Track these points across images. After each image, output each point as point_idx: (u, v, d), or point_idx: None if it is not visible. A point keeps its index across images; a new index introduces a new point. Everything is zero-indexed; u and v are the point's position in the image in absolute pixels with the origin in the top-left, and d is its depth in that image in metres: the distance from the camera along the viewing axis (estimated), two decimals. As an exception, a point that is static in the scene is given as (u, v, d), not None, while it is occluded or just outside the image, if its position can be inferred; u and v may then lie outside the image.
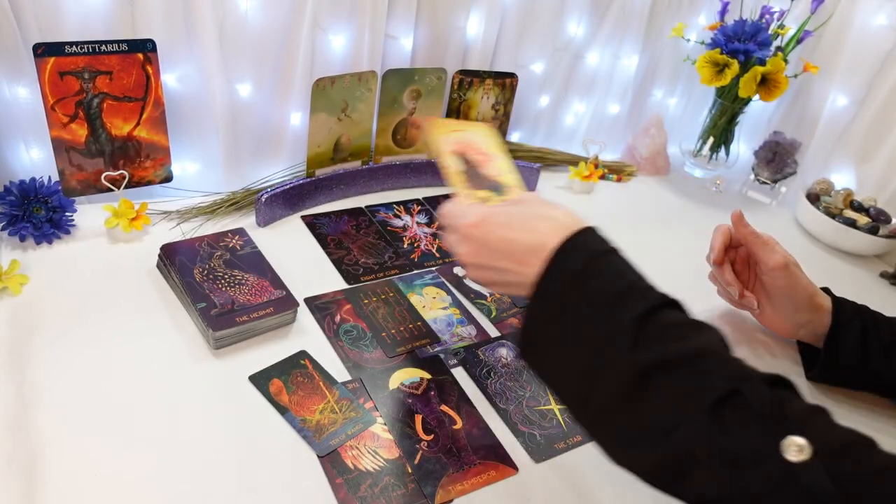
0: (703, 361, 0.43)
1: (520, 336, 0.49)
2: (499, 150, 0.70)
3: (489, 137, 0.71)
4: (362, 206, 0.95)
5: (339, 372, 0.66)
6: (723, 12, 1.10)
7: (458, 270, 0.85)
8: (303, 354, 0.67)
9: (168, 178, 0.84)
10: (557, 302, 0.46)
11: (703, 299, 0.86)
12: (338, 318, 0.73)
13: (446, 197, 1.01)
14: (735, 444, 0.40)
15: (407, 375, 0.67)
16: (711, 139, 1.18)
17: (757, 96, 1.06)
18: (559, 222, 0.50)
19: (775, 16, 1.06)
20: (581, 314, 0.45)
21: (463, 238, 0.54)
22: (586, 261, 0.47)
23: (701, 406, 0.41)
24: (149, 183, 0.82)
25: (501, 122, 1.03)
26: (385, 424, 0.61)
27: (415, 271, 0.83)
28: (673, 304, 0.47)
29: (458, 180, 0.63)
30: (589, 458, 0.62)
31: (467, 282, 0.83)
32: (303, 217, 0.90)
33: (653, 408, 0.42)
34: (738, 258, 0.81)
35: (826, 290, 0.77)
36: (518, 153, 1.12)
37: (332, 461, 0.56)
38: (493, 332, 0.75)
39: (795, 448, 0.38)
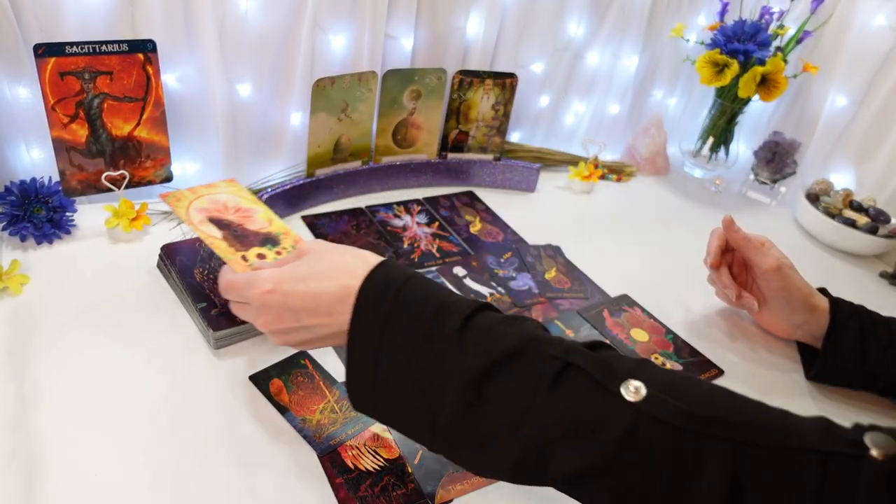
0: (528, 349, 0.45)
1: (348, 387, 0.49)
2: (254, 201, 0.67)
3: (238, 191, 0.68)
4: (362, 206, 0.95)
5: (340, 372, 0.66)
6: (722, 12, 1.10)
7: (457, 270, 0.85)
8: (303, 354, 0.67)
9: (168, 178, 0.84)
10: (376, 343, 0.47)
11: (702, 299, 0.86)
12: (338, 318, 0.73)
13: (446, 197, 1.01)
14: (581, 410, 0.42)
15: (407, 375, 0.67)
16: (711, 139, 1.18)
17: (756, 96, 1.06)
18: (354, 264, 0.50)
19: (775, 16, 1.06)
20: (402, 347, 0.46)
21: (260, 308, 0.52)
22: (392, 294, 0.48)
23: (541, 389, 0.43)
24: (149, 183, 0.82)
25: (501, 123, 1.03)
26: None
27: (415, 271, 0.83)
28: (484, 308, 0.48)
29: (223, 248, 0.59)
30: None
31: (467, 282, 0.83)
32: (303, 217, 0.90)
33: (497, 407, 0.44)
34: (735, 260, 0.81)
35: (823, 291, 0.77)
36: (518, 153, 1.12)
37: (332, 461, 0.56)
38: (493, 332, 0.75)
39: (632, 390, 0.42)
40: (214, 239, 0.60)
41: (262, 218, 0.65)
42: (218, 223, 0.63)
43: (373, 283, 0.48)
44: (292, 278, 0.51)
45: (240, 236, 0.61)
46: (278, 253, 0.61)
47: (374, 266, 0.50)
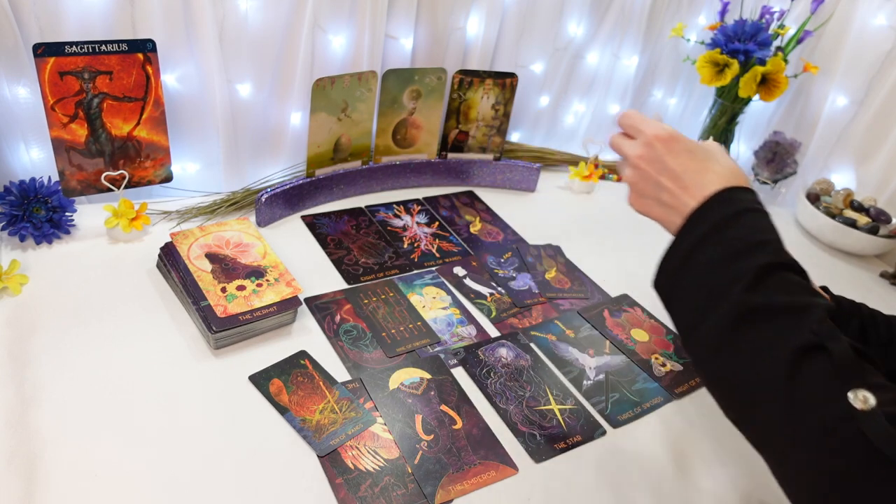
0: (803, 315, 0.46)
1: (659, 263, 0.54)
2: (257, 237, 0.75)
3: (246, 228, 0.76)
4: (362, 206, 0.95)
5: (339, 372, 0.66)
6: (723, 12, 1.10)
7: (457, 270, 0.85)
8: (303, 354, 0.67)
9: (168, 178, 0.84)
10: (699, 239, 0.51)
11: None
12: (338, 318, 0.73)
13: (446, 197, 1.01)
14: (804, 388, 0.43)
15: (407, 375, 0.67)
16: (711, 139, 1.18)
17: (757, 96, 1.06)
18: (729, 171, 0.54)
19: (775, 16, 1.06)
20: (715, 255, 0.50)
21: (646, 143, 0.57)
22: (736, 212, 0.51)
23: (786, 349, 0.44)
24: (149, 183, 0.82)
25: (501, 122, 1.03)
26: (385, 424, 0.61)
27: (415, 271, 0.83)
28: (798, 270, 0.50)
29: (208, 280, 0.67)
30: (589, 458, 0.62)
31: (467, 282, 0.83)
32: (303, 217, 0.90)
33: (744, 346, 0.46)
34: None
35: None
36: (518, 153, 1.12)
37: (332, 461, 0.56)
38: (493, 331, 0.75)
39: (861, 398, 0.40)
40: (202, 272, 0.68)
41: (257, 252, 0.73)
42: (212, 258, 0.70)
43: (729, 195, 0.52)
44: (682, 146, 0.56)
45: (228, 269, 0.69)
46: (259, 285, 0.68)
47: (739, 185, 0.53)
